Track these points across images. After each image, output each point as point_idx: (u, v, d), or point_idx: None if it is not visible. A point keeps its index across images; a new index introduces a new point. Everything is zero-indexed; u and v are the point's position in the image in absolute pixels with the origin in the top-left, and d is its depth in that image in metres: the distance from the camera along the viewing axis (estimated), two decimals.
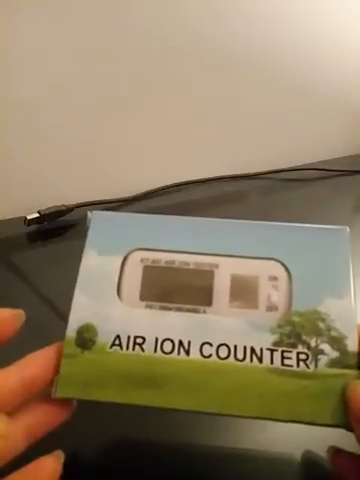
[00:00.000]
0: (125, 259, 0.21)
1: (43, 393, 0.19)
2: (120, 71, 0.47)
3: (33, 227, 0.42)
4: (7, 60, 0.41)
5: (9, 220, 0.43)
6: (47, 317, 0.31)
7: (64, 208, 0.42)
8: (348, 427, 0.17)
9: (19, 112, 0.43)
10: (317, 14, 0.56)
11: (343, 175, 0.56)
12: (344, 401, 0.18)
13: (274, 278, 0.20)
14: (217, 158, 0.55)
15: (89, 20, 0.43)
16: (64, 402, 0.19)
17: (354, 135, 0.64)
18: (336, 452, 0.20)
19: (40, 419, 0.18)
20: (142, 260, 0.21)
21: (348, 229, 0.21)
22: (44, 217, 0.41)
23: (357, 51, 0.61)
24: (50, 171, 0.46)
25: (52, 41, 0.42)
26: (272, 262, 0.20)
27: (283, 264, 0.20)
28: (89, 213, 0.22)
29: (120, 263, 0.21)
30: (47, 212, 0.42)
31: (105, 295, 0.20)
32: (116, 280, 0.20)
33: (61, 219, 0.42)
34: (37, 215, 0.41)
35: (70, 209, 0.43)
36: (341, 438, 0.19)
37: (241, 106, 0.55)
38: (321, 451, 0.21)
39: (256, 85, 0.55)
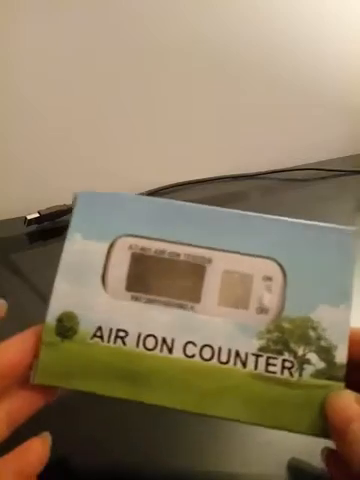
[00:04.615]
0: (112, 245, 0.19)
1: (22, 377, 0.18)
2: (120, 71, 0.47)
3: (33, 227, 0.42)
4: (7, 61, 0.41)
5: (9, 220, 0.43)
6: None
7: (64, 208, 0.42)
8: (328, 437, 0.17)
9: (19, 112, 0.43)
10: (317, 14, 0.56)
11: (343, 175, 0.56)
12: (324, 412, 0.17)
13: (268, 278, 0.19)
14: (217, 158, 0.55)
15: (89, 20, 0.43)
16: (43, 387, 0.19)
17: (354, 135, 0.64)
18: (330, 453, 0.20)
19: (20, 404, 0.18)
20: (130, 247, 0.20)
21: (354, 231, 0.19)
22: (44, 217, 0.41)
23: (357, 51, 0.61)
24: (50, 171, 0.46)
25: (52, 42, 0.42)
26: (268, 261, 0.19)
27: (280, 264, 0.19)
28: (75, 193, 0.20)
29: (106, 249, 0.19)
30: (47, 212, 0.42)
31: (89, 283, 0.19)
32: (101, 267, 0.19)
33: (61, 219, 0.42)
34: (37, 215, 0.41)
35: (70, 209, 0.43)
36: None
37: (241, 106, 0.55)
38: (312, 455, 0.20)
39: (256, 85, 0.55)
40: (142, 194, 0.48)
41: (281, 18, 0.54)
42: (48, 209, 0.42)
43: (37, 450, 0.18)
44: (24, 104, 0.43)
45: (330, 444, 0.20)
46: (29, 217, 0.41)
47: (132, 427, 0.23)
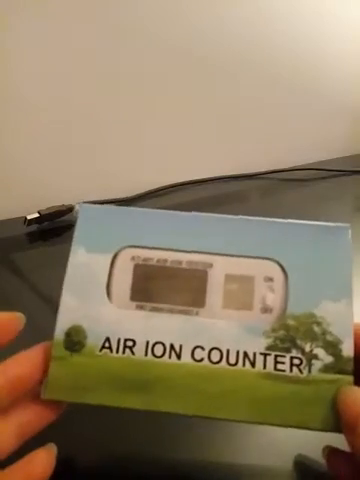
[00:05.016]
0: (115, 257, 0.20)
1: (33, 392, 0.18)
2: (120, 71, 0.47)
3: (33, 227, 0.42)
4: (8, 61, 0.41)
5: (9, 220, 0.43)
6: (47, 317, 0.31)
7: (64, 208, 0.42)
8: (340, 431, 0.17)
9: (19, 112, 0.43)
10: (317, 14, 0.56)
11: (343, 175, 0.56)
12: (336, 407, 0.17)
13: (270, 279, 0.19)
14: (217, 158, 0.55)
15: (89, 20, 0.43)
16: (54, 402, 0.19)
17: (354, 135, 0.64)
18: (331, 452, 0.20)
19: (31, 418, 0.18)
20: (133, 258, 0.20)
21: (349, 227, 0.20)
22: (44, 217, 0.41)
23: (357, 51, 0.61)
24: (50, 171, 0.46)
25: (52, 41, 0.42)
26: (268, 262, 0.20)
27: (280, 264, 0.20)
28: (77, 206, 0.21)
29: (110, 261, 0.20)
30: (47, 212, 0.42)
31: (94, 295, 0.19)
32: (105, 279, 0.20)
33: (61, 219, 0.42)
34: (37, 215, 0.41)
35: (70, 209, 0.43)
36: (337, 437, 0.18)
37: (241, 106, 0.55)
38: (317, 452, 0.20)
39: (256, 85, 0.55)
40: (142, 194, 0.48)
41: (281, 18, 0.54)
42: (48, 209, 0.42)
43: (42, 461, 0.18)
44: (24, 104, 0.43)
45: (333, 442, 0.20)
46: (29, 217, 0.41)
47: (134, 428, 0.23)
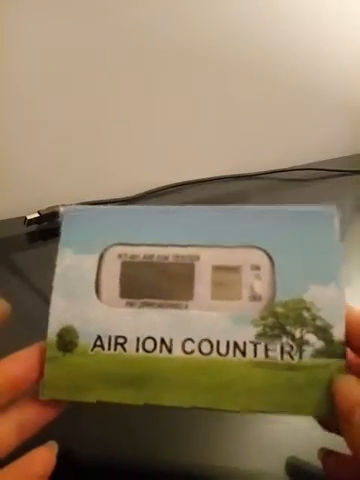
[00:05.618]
0: (102, 256, 0.20)
1: (32, 391, 0.19)
2: (120, 71, 0.47)
3: (33, 227, 0.42)
4: (8, 61, 0.41)
5: (9, 220, 0.43)
6: (47, 317, 0.31)
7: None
8: (333, 416, 0.17)
9: (19, 112, 0.43)
10: (317, 14, 0.56)
11: (343, 175, 0.56)
12: (329, 392, 0.17)
13: (257, 267, 0.19)
14: (217, 158, 0.55)
15: (89, 20, 0.43)
16: (53, 401, 0.19)
17: (354, 135, 0.64)
18: (327, 454, 0.20)
19: (31, 416, 0.19)
20: (120, 256, 0.20)
21: (335, 208, 0.19)
22: (44, 217, 0.41)
23: (357, 51, 0.61)
24: (50, 171, 0.46)
25: (52, 40, 0.42)
26: (254, 250, 0.19)
27: (266, 252, 0.19)
28: (61, 208, 0.21)
29: (97, 261, 0.20)
30: (47, 212, 0.42)
31: (83, 296, 0.19)
32: (94, 279, 0.20)
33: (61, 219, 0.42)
34: (37, 215, 0.41)
35: None
36: (335, 439, 0.18)
37: (241, 106, 0.55)
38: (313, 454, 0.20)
39: (256, 85, 0.55)
40: (142, 194, 0.48)
41: (281, 18, 0.54)
42: (48, 209, 0.42)
43: (43, 459, 0.18)
44: (24, 104, 0.43)
45: (328, 445, 0.20)
46: (29, 217, 0.41)
47: (134, 426, 0.23)
